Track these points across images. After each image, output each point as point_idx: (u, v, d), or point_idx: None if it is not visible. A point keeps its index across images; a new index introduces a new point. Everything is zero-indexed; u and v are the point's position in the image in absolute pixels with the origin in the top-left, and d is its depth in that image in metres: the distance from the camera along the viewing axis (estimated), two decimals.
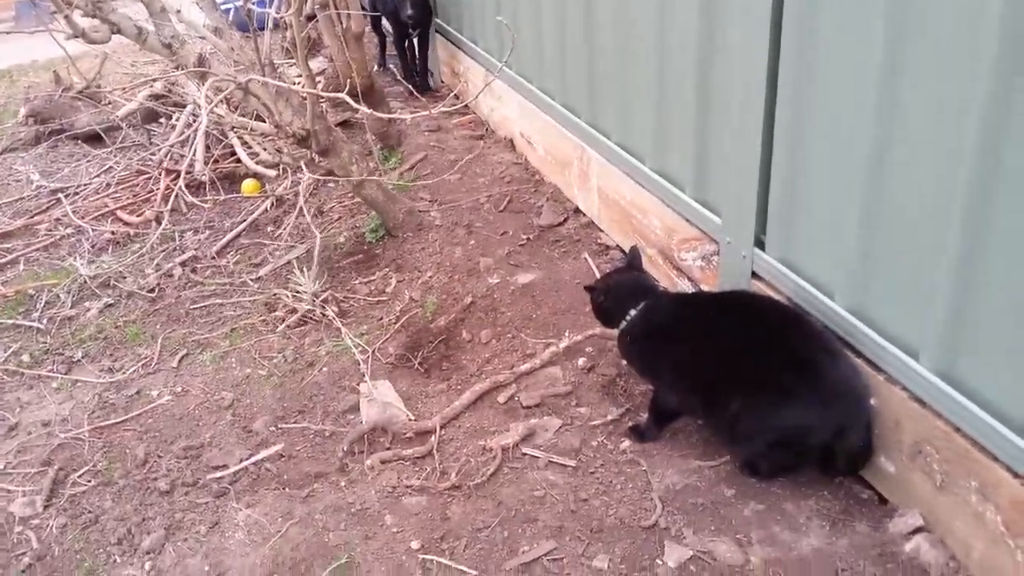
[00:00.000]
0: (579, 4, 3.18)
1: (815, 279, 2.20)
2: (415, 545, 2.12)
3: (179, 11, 3.37)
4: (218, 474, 2.50)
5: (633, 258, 2.52)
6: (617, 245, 3.28)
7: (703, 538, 2.00)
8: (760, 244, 2.40)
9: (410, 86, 5.16)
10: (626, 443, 2.36)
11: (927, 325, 1.83)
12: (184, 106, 4.58)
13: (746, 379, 2.07)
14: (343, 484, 2.39)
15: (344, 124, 4.67)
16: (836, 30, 1.93)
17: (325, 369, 2.90)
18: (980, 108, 1.58)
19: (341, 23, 4.05)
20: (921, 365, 1.87)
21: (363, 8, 5.33)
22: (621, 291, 2.40)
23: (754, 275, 2.43)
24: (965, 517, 1.80)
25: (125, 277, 3.64)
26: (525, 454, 2.37)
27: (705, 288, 2.70)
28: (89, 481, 2.54)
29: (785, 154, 2.20)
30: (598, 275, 3.11)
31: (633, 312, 2.34)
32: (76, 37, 2.82)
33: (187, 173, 4.15)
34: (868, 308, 2.03)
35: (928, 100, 1.72)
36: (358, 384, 2.78)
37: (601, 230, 3.41)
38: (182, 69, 3.06)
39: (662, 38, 2.66)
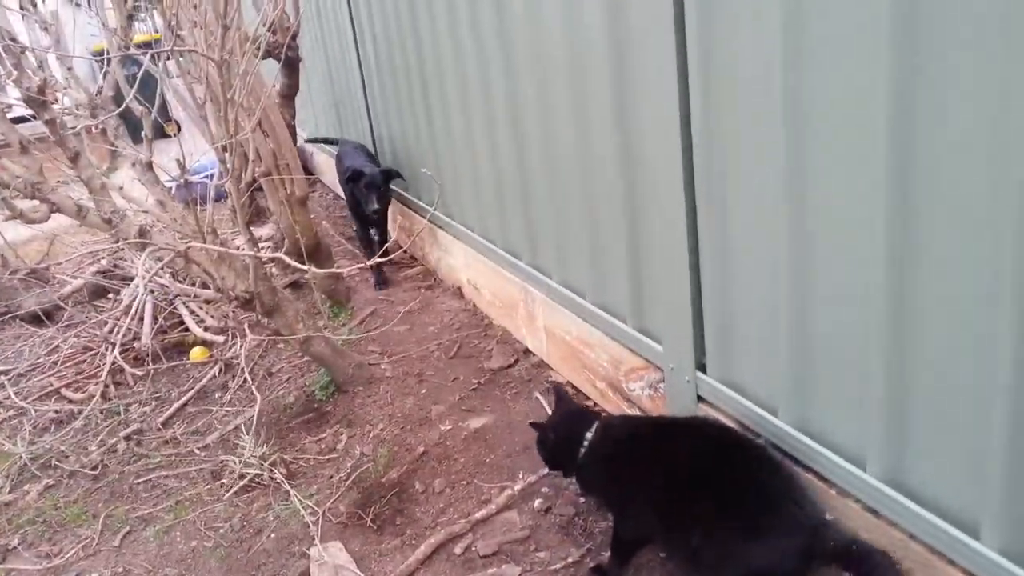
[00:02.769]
0: (512, 152, 3.32)
1: (757, 397, 2.21)
2: None
3: (121, 188, 3.45)
4: None
5: (560, 396, 2.51)
6: (568, 381, 3.27)
7: None
8: (702, 367, 2.42)
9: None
10: None
11: (868, 433, 1.83)
12: (131, 279, 4.59)
13: (702, 511, 1.99)
14: None
15: (293, 285, 4.71)
16: (745, 163, 2.03)
17: (273, 535, 2.78)
18: (881, 232, 1.65)
19: (285, 188, 4.16)
20: (868, 474, 1.85)
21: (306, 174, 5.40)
22: (566, 430, 2.36)
23: (700, 399, 2.43)
24: None
25: (67, 456, 3.52)
26: None
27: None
28: None
29: (713, 280, 2.26)
30: (551, 414, 3.09)
31: (585, 443, 2.29)
32: (14, 218, 2.86)
33: (133, 345, 4.11)
34: (811, 422, 2.03)
35: (834, 224, 1.79)
36: (308, 548, 2.66)
37: (551, 368, 3.41)
38: (123, 242, 3.09)
39: (590, 182, 2.78)
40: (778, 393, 2.12)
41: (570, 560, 2.37)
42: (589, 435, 2.29)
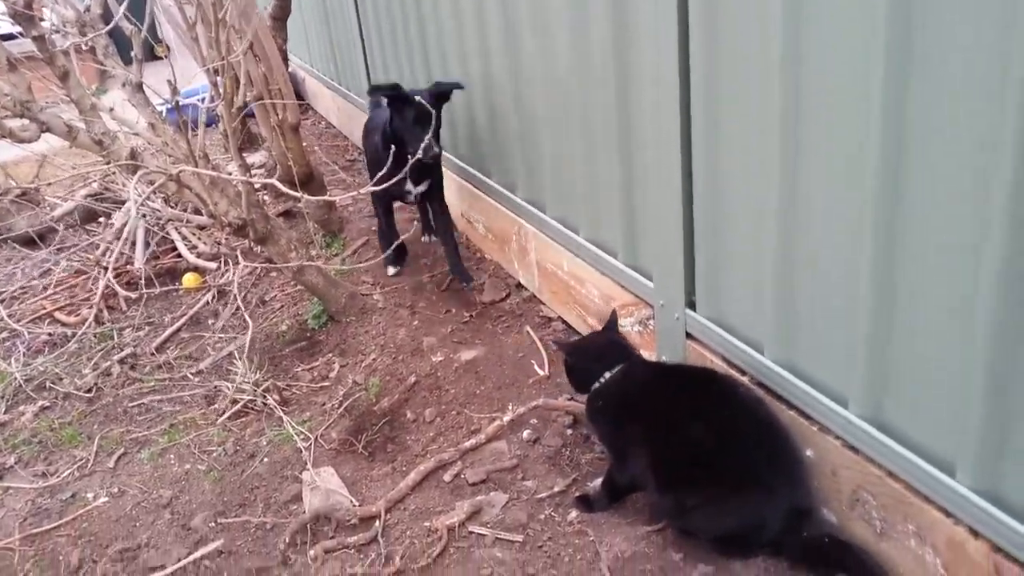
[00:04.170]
0: (509, 82, 3.28)
1: (744, 335, 2.24)
2: None
3: (112, 109, 3.40)
4: (155, 575, 2.40)
5: (610, 322, 2.47)
6: (559, 317, 3.30)
7: None
8: (692, 305, 2.44)
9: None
10: (574, 514, 2.33)
11: (851, 372, 1.86)
12: (123, 203, 4.57)
13: (702, 472, 2.02)
14: None
15: (286, 214, 4.69)
16: (740, 103, 2.01)
17: (266, 459, 2.84)
18: (871, 175, 1.65)
19: (277, 115, 4.10)
20: (851, 412, 1.89)
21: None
22: (590, 359, 2.35)
23: (688, 336, 2.46)
24: (906, 562, 1.79)
25: (62, 378, 3.55)
26: (472, 532, 2.32)
27: (644, 353, 2.71)
28: None
29: (705, 218, 2.27)
30: (541, 348, 3.12)
31: (602, 380, 2.28)
32: (3, 137, 2.82)
33: (125, 270, 4.11)
34: (796, 360, 2.06)
35: (825, 166, 1.79)
36: (300, 473, 2.72)
37: (542, 303, 3.44)
38: (114, 164, 3.06)
39: (587, 116, 2.75)
40: (765, 331, 2.14)
41: (556, 489, 2.43)
42: (608, 374, 2.27)
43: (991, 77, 1.39)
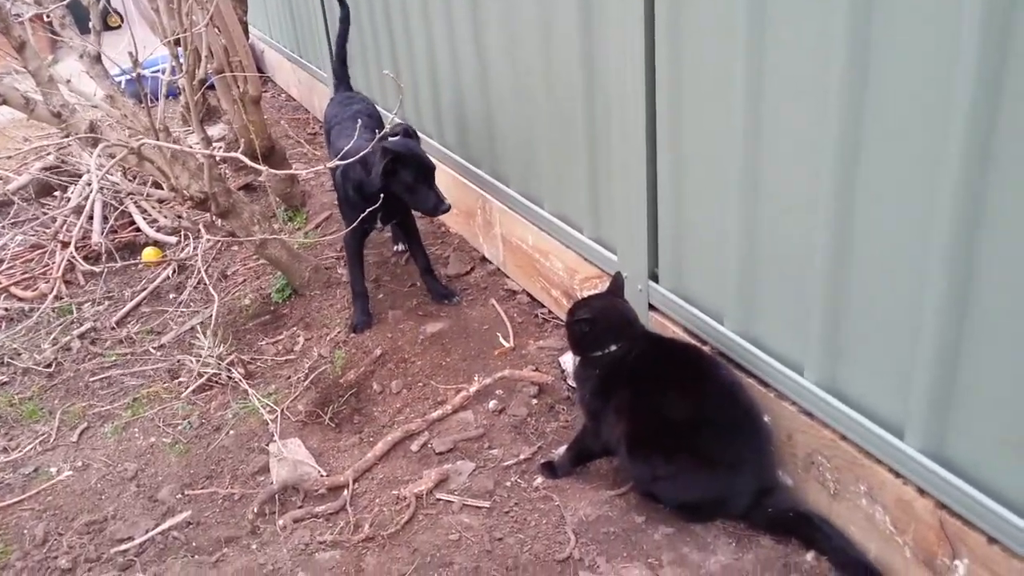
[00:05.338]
0: (472, 59, 3.29)
1: (705, 306, 2.31)
2: None
3: (69, 81, 3.33)
4: (123, 547, 2.41)
5: (617, 287, 2.40)
6: (523, 290, 3.34)
7: (616, 565, 2.03)
8: (655, 277, 2.50)
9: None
10: (539, 480, 2.39)
11: (807, 340, 1.94)
12: (79, 176, 4.49)
13: (677, 444, 2.08)
14: (254, 546, 2.33)
15: (247, 188, 4.65)
16: (702, 88, 2.06)
17: (232, 432, 2.85)
18: (831, 156, 1.71)
19: (238, 87, 4.06)
20: (806, 379, 1.97)
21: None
22: (611, 325, 2.30)
23: (651, 307, 2.52)
24: (858, 520, 1.88)
25: (20, 353, 3.51)
26: (439, 500, 2.37)
27: None
28: None
29: (668, 192, 2.32)
30: (506, 320, 3.16)
31: (606, 351, 2.26)
32: None
33: (83, 244, 4.05)
34: (755, 330, 2.13)
35: (785, 142, 1.85)
36: (267, 444, 2.73)
37: (507, 276, 3.47)
38: (73, 137, 3.01)
39: (552, 94, 2.78)
40: (725, 302, 2.21)
41: (522, 457, 2.49)
42: (615, 346, 2.25)
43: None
